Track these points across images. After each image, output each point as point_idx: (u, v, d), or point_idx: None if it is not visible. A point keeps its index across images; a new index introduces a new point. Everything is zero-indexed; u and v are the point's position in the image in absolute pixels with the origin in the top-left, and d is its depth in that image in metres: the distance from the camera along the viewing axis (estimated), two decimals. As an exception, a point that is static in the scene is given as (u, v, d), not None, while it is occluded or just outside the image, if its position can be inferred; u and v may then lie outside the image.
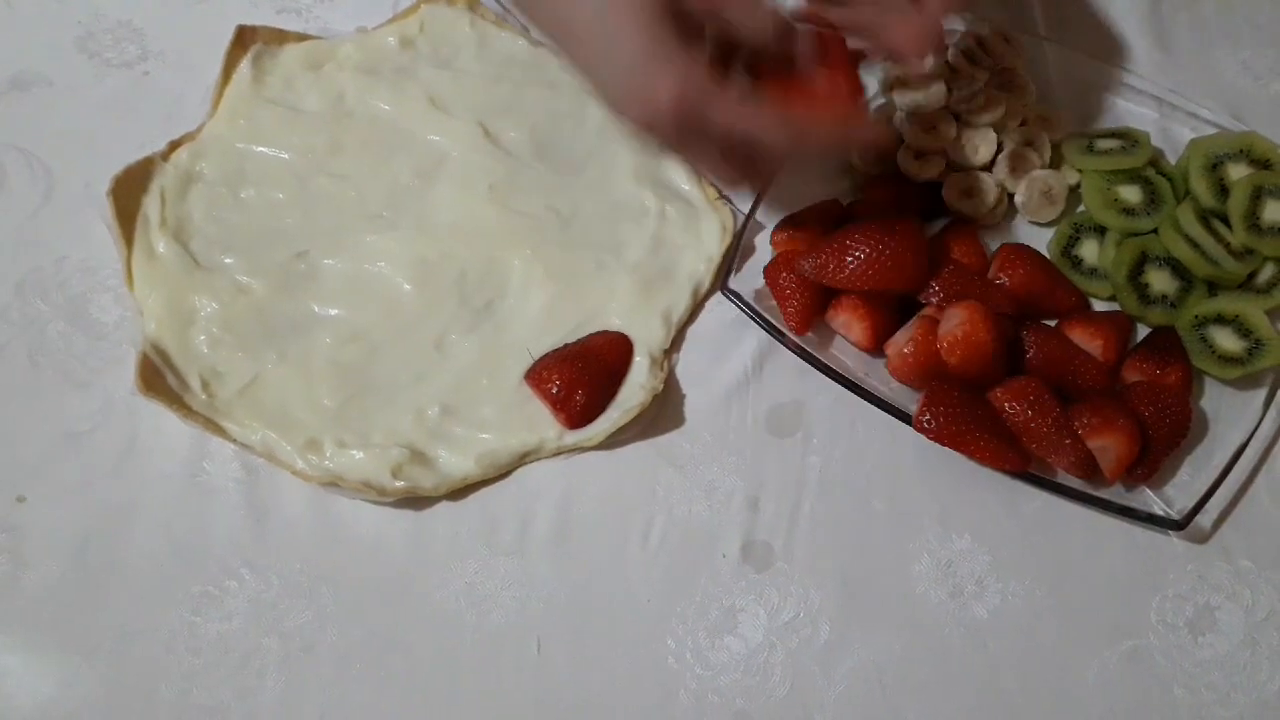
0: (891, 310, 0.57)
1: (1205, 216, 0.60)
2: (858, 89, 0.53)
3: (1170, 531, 0.54)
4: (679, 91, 0.47)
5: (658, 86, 0.47)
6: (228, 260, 0.60)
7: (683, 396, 0.58)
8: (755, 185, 0.57)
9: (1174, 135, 0.66)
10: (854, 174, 0.64)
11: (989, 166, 0.63)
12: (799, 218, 0.60)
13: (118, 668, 0.50)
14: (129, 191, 0.60)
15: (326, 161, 0.63)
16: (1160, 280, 0.59)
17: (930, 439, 0.52)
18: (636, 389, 0.57)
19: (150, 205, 0.60)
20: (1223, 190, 0.60)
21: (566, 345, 0.58)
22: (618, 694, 0.51)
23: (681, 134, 0.49)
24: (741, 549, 0.54)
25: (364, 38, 0.68)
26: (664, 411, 0.57)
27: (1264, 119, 0.66)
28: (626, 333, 0.58)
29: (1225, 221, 0.60)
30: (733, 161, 0.52)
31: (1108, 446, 0.53)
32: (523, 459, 0.56)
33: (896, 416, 0.54)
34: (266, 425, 0.55)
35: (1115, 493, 0.55)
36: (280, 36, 0.67)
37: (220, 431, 0.55)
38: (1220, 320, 0.57)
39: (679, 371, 0.59)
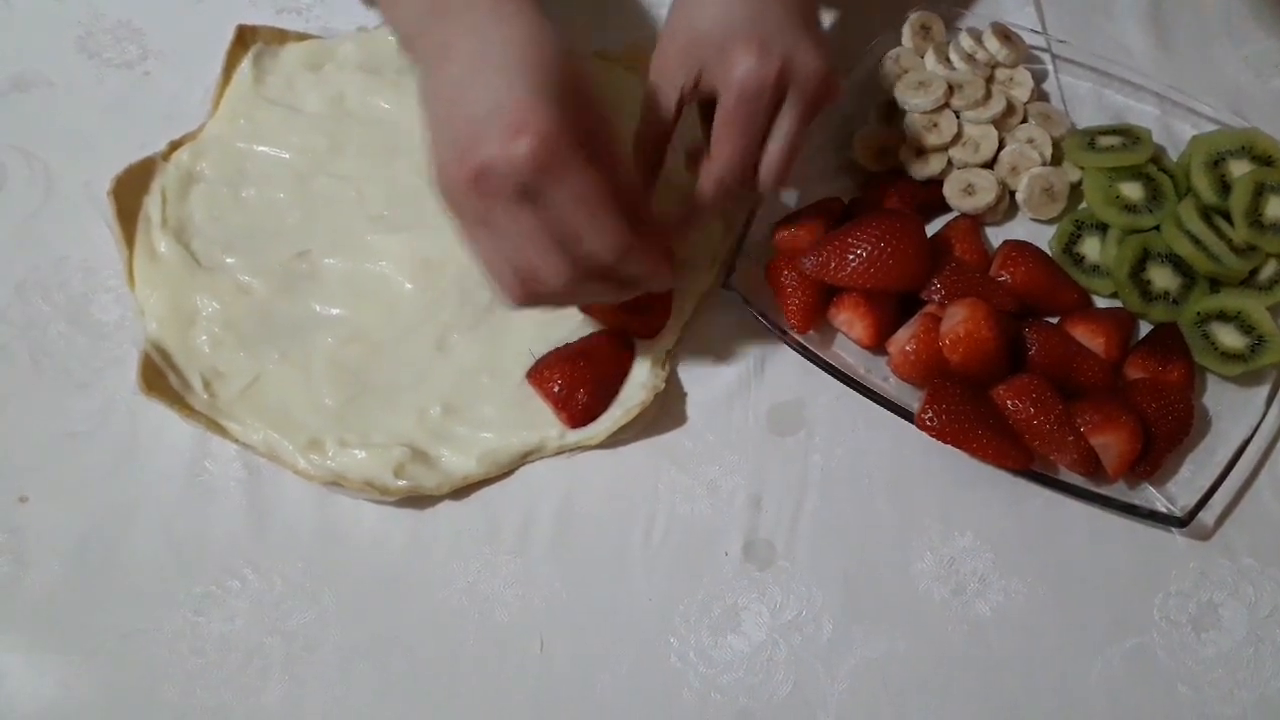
0: (893, 308, 0.57)
1: (1207, 213, 0.60)
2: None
3: (1173, 529, 0.54)
4: (548, 137, 0.43)
5: (529, 126, 0.43)
6: (229, 260, 0.60)
7: (684, 395, 0.58)
8: (542, 293, 0.48)
9: (1175, 132, 0.66)
10: (855, 172, 0.64)
11: (990, 164, 0.63)
12: (800, 215, 0.60)
13: (120, 668, 0.50)
14: (130, 191, 0.60)
15: (327, 161, 0.63)
16: (1162, 277, 0.59)
17: (933, 437, 0.52)
18: (638, 388, 0.57)
19: (151, 205, 0.60)
20: (1224, 187, 0.60)
21: (568, 344, 0.58)
22: (621, 692, 0.51)
23: (513, 202, 0.44)
24: (744, 547, 0.54)
25: (364, 37, 0.68)
26: (666, 410, 0.57)
27: (1265, 115, 0.66)
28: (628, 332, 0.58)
29: (1227, 218, 0.60)
30: (543, 250, 0.46)
31: (1110, 444, 0.53)
32: (525, 458, 0.56)
33: (899, 414, 0.54)
34: (268, 425, 0.55)
35: (1118, 490, 0.55)
36: (281, 36, 0.67)
37: (222, 431, 0.55)
38: (1222, 317, 0.57)
39: (680, 370, 0.59)
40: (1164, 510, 0.53)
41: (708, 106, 0.54)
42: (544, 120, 0.44)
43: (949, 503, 0.55)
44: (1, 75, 0.66)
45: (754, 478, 0.56)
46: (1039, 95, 0.67)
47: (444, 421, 0.56)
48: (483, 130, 0.44)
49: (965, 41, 0.66)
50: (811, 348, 0.57)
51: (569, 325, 0.59)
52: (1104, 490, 0.54)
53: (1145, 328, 0.60)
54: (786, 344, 0.57)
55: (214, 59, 0.65)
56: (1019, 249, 0.59)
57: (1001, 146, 0.64)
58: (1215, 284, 0.59)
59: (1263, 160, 0.60)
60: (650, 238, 0.49)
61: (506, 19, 0.47)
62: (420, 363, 0.57)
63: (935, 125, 0.63)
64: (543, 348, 0.58)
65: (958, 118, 0.64)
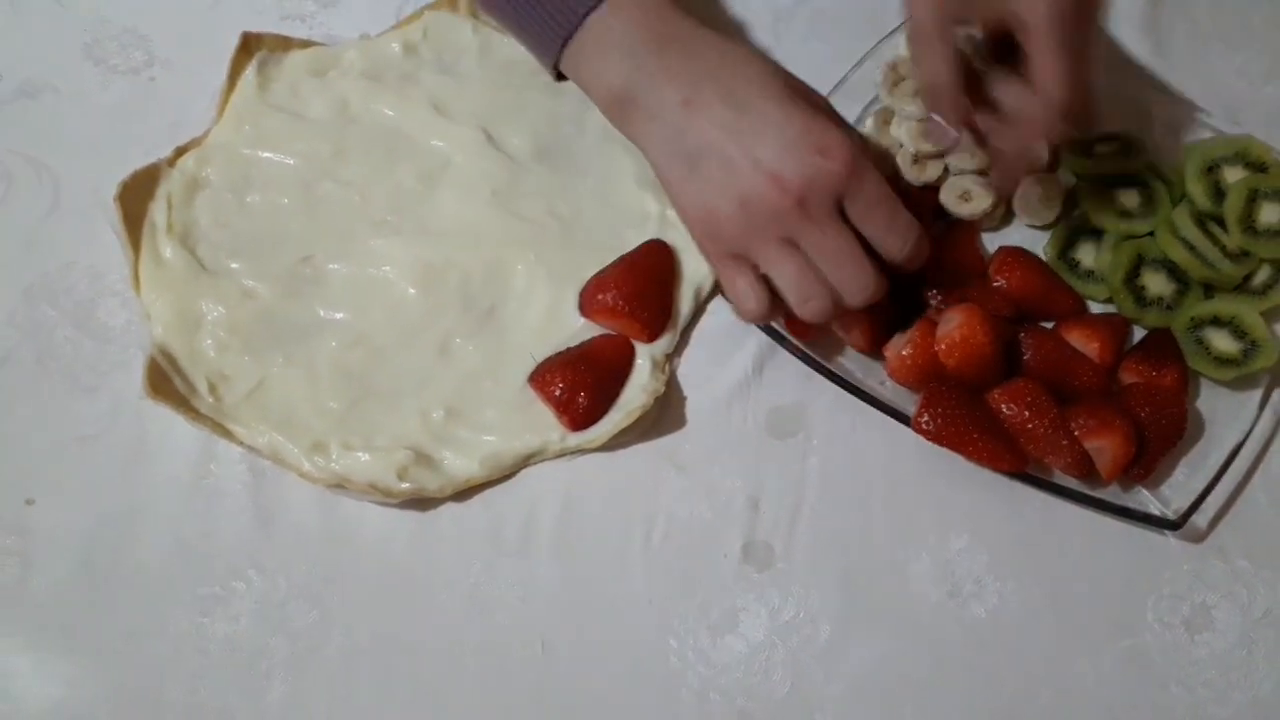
0: (890, 313, 0.58)
1: (1201, 219, 0.60)
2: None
3: (1167, 531, 0.55)
4: (850, 148, 0.48)
5: (832, 142, 0.48)
6: (234, 265, 0.60)
7: (684, 399, 0.58)
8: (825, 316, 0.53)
9: (1170, 139, 0.66)
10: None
11: (986, 170, 0.64)
12: None
13: (126, 669, 0.51)
14: (136, 197, 0.61)
15: (331, 167, 0.64)
16: (1157, 282, 0.60)
17: (929, 440, 0.53)
18: (638, 391, 0.57)
19: (157, 211, 0.61)
20: (1219, 193, 0.60)
21: (569, 348, 0.58)
22: (620, 693, 0.51)
23: (832, 215, 0.49)
24: (743, 549, 0.54)
25: (368, 44, 0.68)
26: (666, 413, 0.58)
27: (1260, 122, 0.66)
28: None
29: (1221, 224, 0.60)
30: (864, 257, 0.51)
31: (1104, 447, 0.53)
32: (526, 461, 0.56)
33: (895, 418, 0.55)
34: (273, 428, 0.55)
35: (1112, 493, 0.55)
36: (285, 43, 0.67)
37: (227, 434, 0.55)
38: (1216, 322, 0.58)
39: (680, 374, 0.59)
40: (1158, 513, 0.54)
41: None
42: (841, 136, 0.49)
43: (945, 506, 0.56)
44: (8, 82, 0.66)
45: (752, 480, 0.56)
46: (1035, 102, 0.67)
47: (447, 425, 0.56)
48: (789, 157, 0.49)
49: (963, 48, 0.66)
50: (809, 352, 0.57)
51: (570, 329, 0.59)
52: (1098, 493, 0.54)
53: (1139, 333, 0.60)
54: (785, 348, 0.58)
55: (219, 66, 0.65)
56: (1014, 255, 0.59)
57: (998, 153, 0.64)
58: (1209, 289, 0.60)
59: (1256, 167, 0.61)
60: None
61: (730, 48, 0.52)
62: (423, 366, 0.58)
63: (932, 132, 0.64)
64: (544, 352, 0.58)
65: (955, 124, 0.64)
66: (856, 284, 0.51)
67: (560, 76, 0.57)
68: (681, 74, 0.51)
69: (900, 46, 0.68)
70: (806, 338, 0.58)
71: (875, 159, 0.53)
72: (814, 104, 0.52)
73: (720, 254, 0.53)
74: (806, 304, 0.52)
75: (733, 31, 0.70)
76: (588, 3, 0.53)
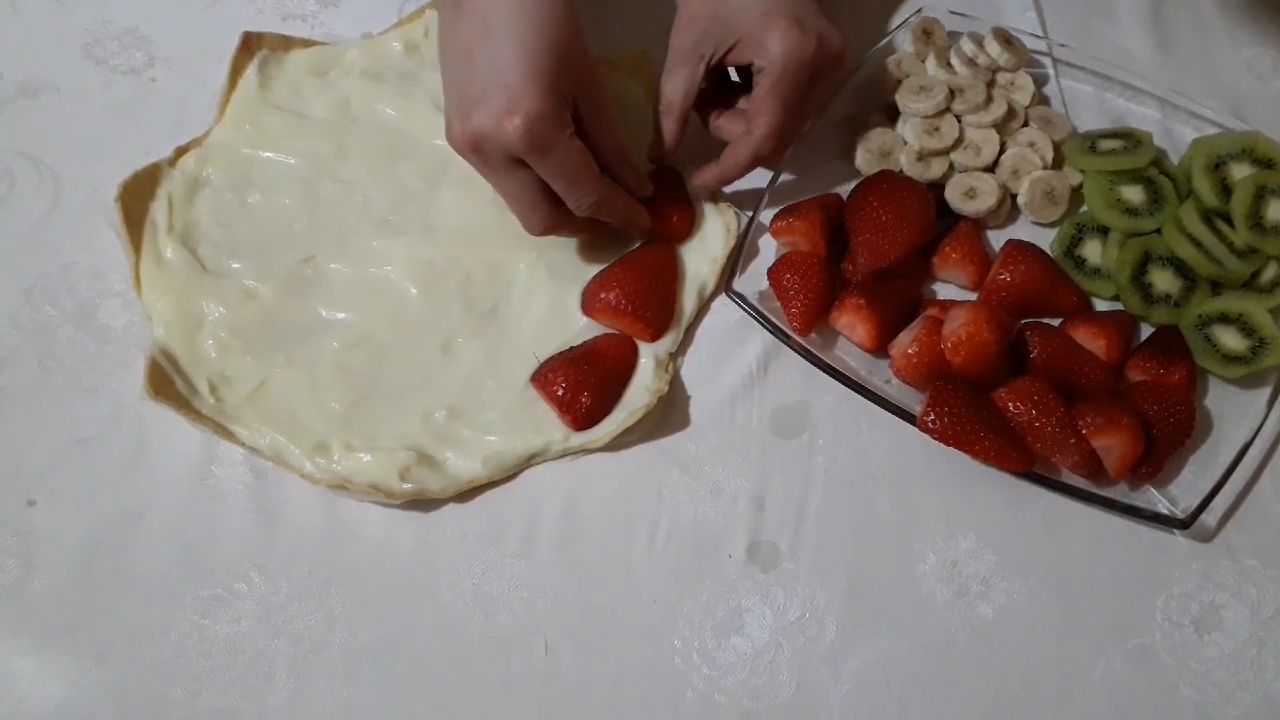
0: (895, 311, 0.58)
1: (1208, 216, 0.60)
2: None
3: (1175, 530, 0.54)
4: (538, 119, 0.50)
5: (521, 108, 0.49)
6: (235, 265, 0.60)
7: (688, 398, 0.58)
8: (551, 229, 0.57)
9: (1176, 135, 0.66)
10: (857, 176, 0.64)
11: (992, 168, 0.64)
12: (799, 207, 0.60)
13: (128, 670, 0.51)
14: (137, 197, 0.61)
15: (332, 166, 0.63)
16: (1163, 280, 0.59)
17: (935, 439, 0.52)
18: (642, 391, 0.57)
19: (158, 211, 0.61)
20: (1225, 190, 0.60)
21: (572, 348, 0.58)
22: (625, 694, 0.51)
23: (502, 166, 0.52)
24: (747, 549, 0.54)
25: (369, 43, 0.68)
26: (669, 413, 0.57)
27: (1266, 118, 0.66)
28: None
29: (1228, 221, 0.60)
30: (532, 205, 0.55)
31: (1112, 446, 0.53)
32: (529, 461, 0.56)
33: (901, 417, 0.55)
34: (275, 429, 0.55)
35: (1120, 492, 0.55)
36: (286, 43, 0.67)
37: (229, 435, 0.55)
38: (1224, 319, 0.58)
39: (684, 373, 0.59)
40: (1166, 512, 0.53)
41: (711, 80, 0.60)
42: (535, 104, 0.50)
43: (951, 505, 0.55)
44: (9, 82, 0.66)
45: (757, 480, 0.56)
46: (1040, 99, 0.67)
47: (449, 425, 0.56)
48: (482, 101, 0.50)
49: (966, 46, 0.66)
50: (814, 350, 0.57)
51: (573, 329, 0.59)
52: (1106, 492, 0.54)
53: (1147, 330, 0.60)
54: (789, 347, 0.57)
55: (220, 65, 0.65)
56: (1021, 249, 0.59)
57: (1003, 150, 0.64)
58: (1216, 287, 0.60)
59: (1264, 163, 0.60)
60: (626, 192, 0.58)
61: None
62: (425, 367, 0.58)
63: (937, 129, 0.64)
64: (546, 351, 0.58)
65: (959, 122, 0.64)
66: (525, 222, 0.56)
67: None
68: None
69: (905, 44, 0.68)
70: (807, 334, 0.58)
71: (605, 143, 0.55)
72: (559, 63, 0.51)
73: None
74: (523, 221, 0.56)
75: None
76: None
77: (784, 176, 0.62)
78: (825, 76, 0.58)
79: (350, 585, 0.53)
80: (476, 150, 0.52)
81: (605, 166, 0.56)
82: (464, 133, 0.51)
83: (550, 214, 0.55)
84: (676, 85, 0.59)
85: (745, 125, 0.58)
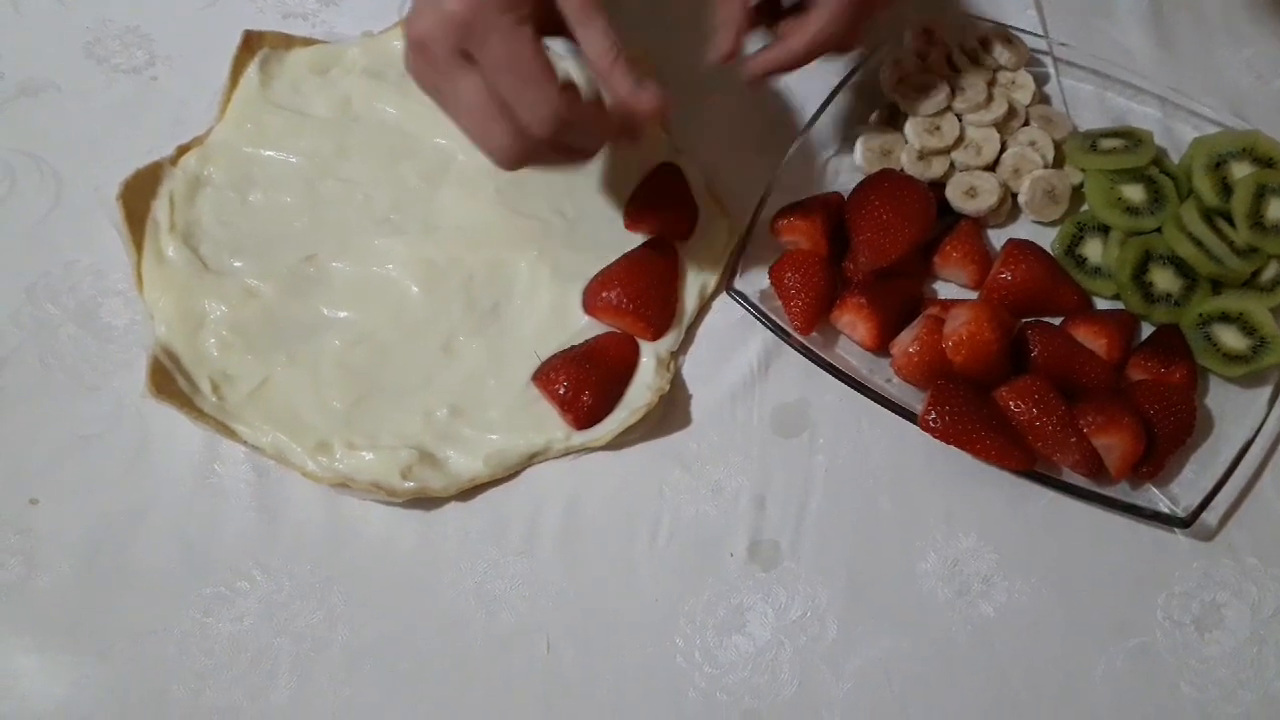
0: (896, 310, 0.58)
1: (1209, 215, 0.60)
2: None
3: (1176, 529, 0.54)
4: (471, 3, 0.44)
5: None
6: (237, 264, 0.60)
7: (689, 397, 0.58)
8: (494, 145, 0.49)
9: (1177, 134, 0.66)
10: (858, 176, 0.64)
11: (992, 166, 0.64)
12: (801, 205, 0.60)
13: (130, 668, 0.51)
14: (138, 196, 0.60)
15: (334, 165, 0.63)
16: (1164, 279, 0.59)
17: (936, 438, 0.53)
18: (643, 389, 0.57)
19: (159, 209, 0.61)
20: (1226, 189, 0.60)
21: (573, 346, 0.58)
22: (627, 693, 0.51)
23: (453, 69, 0.46)
24: (749, 548, 0.54)
25: (370, 42, 0.68)
26: (671, 412, 0.57)
27: (1267, 117, 0.66)
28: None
29: (1229, 220, 0.60)
30: (487, 118, 0.47)
31: (1113, 445, 0.53)
32: (531, 459, 0.56)
33: (902, 416, 0.55)
34: (276, 427, 0.55)
35: (1121, 491, 0.55)
36: (287, 41, 0.67)
37: (231, 434, 0.55)
38: (1224, 318, 0.58)
39: (685, 372, 0.59)
40: (1167, 511, 0.53)
41: None
42: None
43: (952, 503, 0.55)
44: (10, 81, 0.66)
45: (758, 479, 0.56)
46: (1041, 98, 0.67)
47: (451, 423, 0.56)
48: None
49: (967, 45, 0.66)
50: (815, 349, 0.57)
51: (575, 327, 0.59)
52: (1107, 491, 0.54)
53: (1148, 329, 0.60)
54: (790, 346, 0.57)
55: (221, 64, 0.65)
56: (1022, 248, 0.59)
57: (1003, 149, 0.64)
58: (1217, 286, 0.60)
59: (1264, 162, 0.60)
60: (592, 110, 0.50)
61: None
62: (427, 365, 0.58)
63: (937, 128, 0.64)
64: (548, 350, 0.58)
65: (960, 121, 0.64)
66: (485, 140, 0.48)
67: None
68: None
69: (905, 42, 0.68)
70: (808, 332, 0.58)
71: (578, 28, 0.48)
72: None
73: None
74: (483, 146, 0.49)
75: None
76: None
77: (785, 175, 0.62)
78: None
79: (352, 583, 0.53)
80: (421, 50, 0.46)
81: (594, 71, 0.48)
82: (410, 38, 0.47)
83: (513, 131, 0.47)
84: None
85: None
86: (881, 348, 0.58)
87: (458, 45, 0.46)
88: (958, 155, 0.64)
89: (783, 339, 0.57)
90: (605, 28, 0.48)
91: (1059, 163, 0.64)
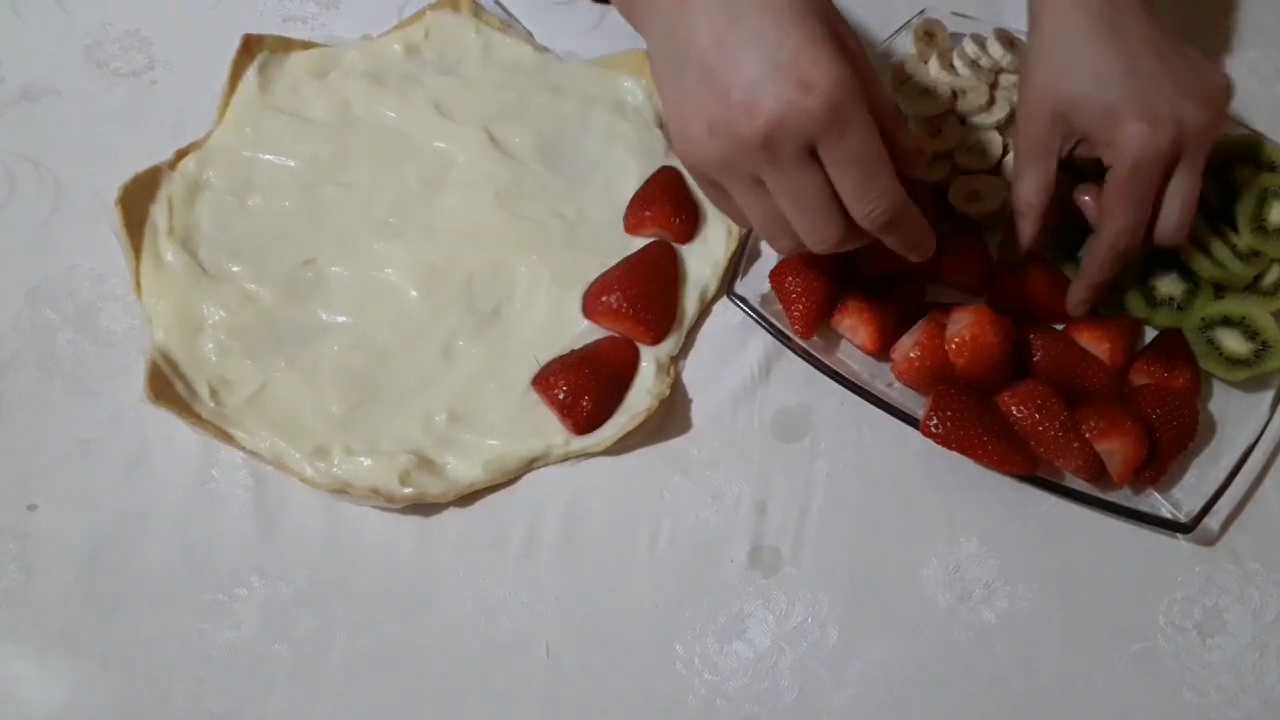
0: (897, 314, 0.57)
1: (1212, 219, 0.60)
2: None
3: (1178, 534, 0.54)
4: (839, 87, 0.42)
5: (818, 77, 0.42)
6: (235, 268, 0.60)
7: (689, 401, 0.58)
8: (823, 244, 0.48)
9: (1180, 137, 0.65)
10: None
11: (995, 169, 0.63)
12: None
13: (129, 675, 0.50)
14: (137, 200, 0.61)
15: (333, 169, 0.63)
16: (1167, 283, 0.59)
17: (937, 443, 0.52)
18: (643, 394, 0.57)
19: (158, 214, 0.61)
20: (1229, 192, 0.60)
21: (573, 351, 0.58)
22: (626, 699, 0.51)
23: (800, 161, 0.44)
24: (749, 554, 0.54)
25: (369, 45, 0.68)
26: (671, 417, 0.57)
27: (1270, 121, 0.66)
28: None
29: (1232, 224, 0.60)
30: (821, 214, 0.46)
31: (1115, 450, 0.53)
32: (530, 465, 0.56)
33: (903, 421, 0.54)
34: (275, 433, 0.55)
35: (1123, 496, 0.55)
36: (286, 45, 0.67)
37: (229, 439, 0.55)
38: (1227, 322, 0.57)
39: (685, 376, 0.59)
40: (1169, 516, 0.53)
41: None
42: (832, 70, 0.42)
43: (954, 509, 0.55)
44: (10, 85, 0.66)
45: (759, 484, 0.56)
46: (1043, 100, 0.67)
47: (450, 428, 0.56)
48: (761, 88, 0.43)
49: (969, 47, 0.66)
50: (816, 354, 0.57)
51: (574, 331, 0.59)
52: (1109, 496, 0.54)
53: (1150, 334, 0.60)
54: (791, 350, 0.57)
55: (220, 68, 0.65)
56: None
57: (1006, 152, 0.64)
58: (1220, 289, 0.59)
59: (1267, 166, 0.60)
60: (915, 212, 0.48)
61: None
62: (426, 370, 0.58)
63: (939, 131, 0.63)
64: (547, 354, 0.58)
65: (962, 123, 0.64)
66: (816, 235, 0.47)
67: None
68: None
69: (907, 46, 0.67)
70: (809, 337, 0.58)
71: (882, 110, 0.46)
72: (827, 26, 0.44)
73: (696, 175, 0.49)
74: (775, 243, 0.49)
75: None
76: None
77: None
78: (1195, 161, 0.52)
79: (351, 590, 0.53)
80: (768, 147, 0.43)
81: (885, 134, 0.46)
82: (753, 132, 0.43)
83: (848, 225, 0.46)
84: (1030, 186, 0.55)
85: (1098, 218, 0.54)
86: (883, 352, 0.58)
87: (812, 144, 0.44)
88: (960, 158, 0.63)
89: (784, 343, 0.57)
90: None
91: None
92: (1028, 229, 0.57)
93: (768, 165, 0.44)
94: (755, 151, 0.44)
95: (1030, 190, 0.56)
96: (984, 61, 0.66)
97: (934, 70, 0.66)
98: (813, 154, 0.44)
